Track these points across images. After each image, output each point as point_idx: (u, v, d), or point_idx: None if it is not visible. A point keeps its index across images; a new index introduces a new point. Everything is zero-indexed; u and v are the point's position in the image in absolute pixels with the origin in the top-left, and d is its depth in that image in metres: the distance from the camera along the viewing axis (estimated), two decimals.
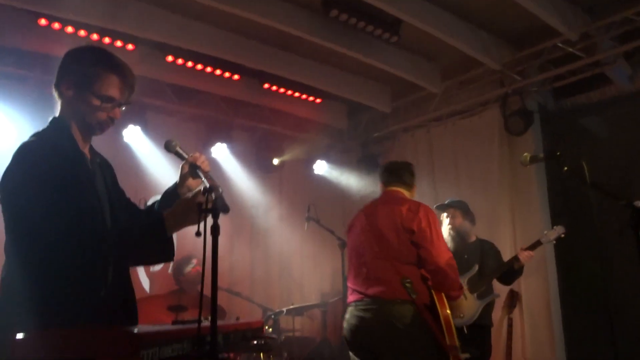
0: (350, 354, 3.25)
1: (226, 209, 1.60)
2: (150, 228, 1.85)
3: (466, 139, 6.39)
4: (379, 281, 3.13)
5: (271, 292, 6.59)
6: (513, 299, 5.28)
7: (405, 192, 3.49)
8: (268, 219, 6.80)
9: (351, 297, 3.26)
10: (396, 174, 3.55)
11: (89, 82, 1.89)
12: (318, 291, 6.93)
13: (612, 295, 4.45)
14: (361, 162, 7.07)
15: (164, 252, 1.86)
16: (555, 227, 4.42)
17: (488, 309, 4.43)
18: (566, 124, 6.44)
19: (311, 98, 6.46)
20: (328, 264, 6.78)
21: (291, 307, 5.52)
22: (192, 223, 1.81)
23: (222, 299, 5.34)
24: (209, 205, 1.53)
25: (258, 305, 5.66)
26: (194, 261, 4.92)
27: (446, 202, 4.60)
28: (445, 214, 4.56)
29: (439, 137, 6.72)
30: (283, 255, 6.86)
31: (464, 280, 4.36)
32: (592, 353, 5.82)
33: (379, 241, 3.23)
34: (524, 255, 4.29)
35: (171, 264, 5.33)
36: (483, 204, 5.61)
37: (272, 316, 5.35)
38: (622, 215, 2.27)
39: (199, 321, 1.52)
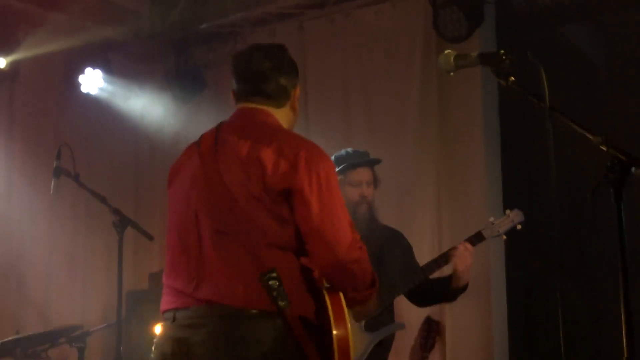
0: None
1: None
2: None
3: (367, 45, 6.56)
4: (219, 276, 3.09)
5: None
6: (430, 332, 5.52)
7: (272, 112, 3.38)
8: None
9: (167, 303, 3.21)
10: (253, 74, 3.39)
11: None
12: (78, 311, 7.05)
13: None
14: (174, 77, 7.17)
15: None
16: (508, 211, 4.66)
17: (384, 348, 4.60)
18: (541, 32, 6.79)
19: None
20: (98, 260, 6.92)
21: (12, 338, 5.47)
22: None
23: None
24: None
25: None
26: None
27: (353, 153, 4.81)
28: (355, 175, 4.72)
29: (318, 38, 6.86)
30: (10, 244, 6.78)
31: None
32: None
33: (223, 205, 3.16)
34: (460, 252, 4.49)
35: None
36: (389, 162, 5.77)
37: None
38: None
39: None
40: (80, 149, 5.81)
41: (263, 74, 3.36)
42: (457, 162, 6.17)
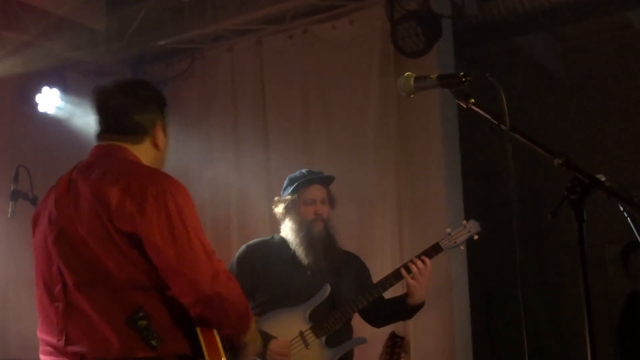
0: None
1: None
2: None
3: (325, 60, 6.62)
4: (87, 328, 3.02)
5: None
6: (394, 349, 5.48)
7: (129, 148, 3.30)
8: None
9: (42, 357, 3.15)
10: (109, 111, 3.32)
11: None
12: (37, 337, 6.74)
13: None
14: None
15: None
16: (465, 222, 4.66)
17: None
18: (499, 45, 6.84)
19: None
20: None
21: None
22: None
23: None
24: None
25: None
26: None
27: (307, 173, 4.80)
28: (308, 193, 4.73)
29: (277, 54, 6.87)
30: None
31: (305, 312, 4.55)
32: None
33: (79, 254, 3.08)
34: (416, 267, 4.44)
35: None
36: (347, 179, 5.79)
37: None
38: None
39: None
40: (38, 170, 5.67)
41: (117, 109, 3.29)
42: (418, 174, 6.20)
